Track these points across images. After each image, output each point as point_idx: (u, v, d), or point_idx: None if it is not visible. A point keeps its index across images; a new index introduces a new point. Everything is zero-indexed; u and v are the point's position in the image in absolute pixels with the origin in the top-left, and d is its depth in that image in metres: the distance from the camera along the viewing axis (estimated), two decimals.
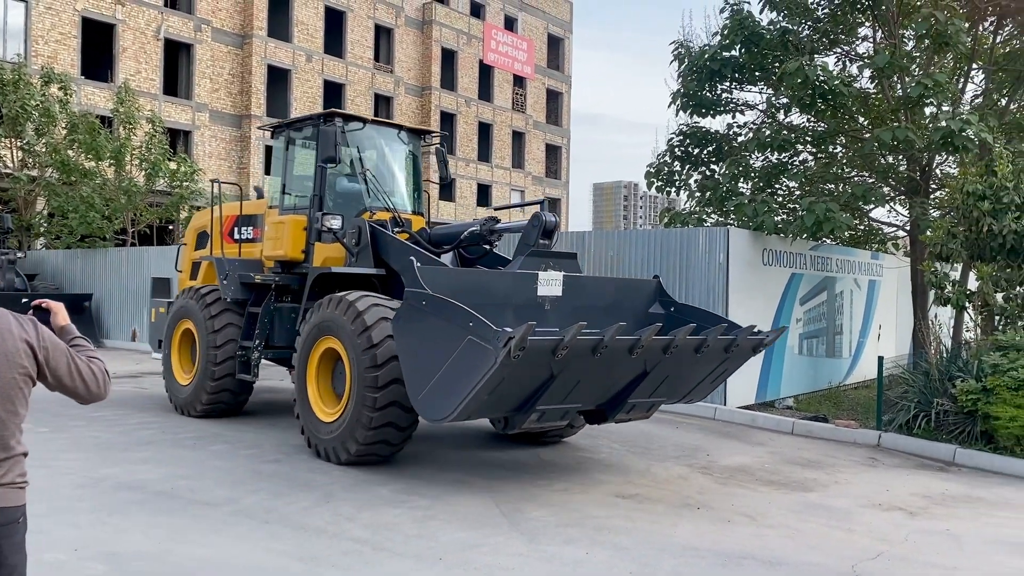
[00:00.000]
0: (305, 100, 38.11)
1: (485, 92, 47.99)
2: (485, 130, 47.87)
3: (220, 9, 35.57)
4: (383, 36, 42.84)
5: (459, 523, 6.00)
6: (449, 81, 45.66)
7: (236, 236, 10.20)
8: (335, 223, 8.59)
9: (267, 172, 36.57)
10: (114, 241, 22.58)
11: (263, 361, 9.67)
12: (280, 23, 37.27)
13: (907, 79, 14.13)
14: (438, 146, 10.02)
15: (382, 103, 42.40)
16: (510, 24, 49.96)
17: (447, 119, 45.39)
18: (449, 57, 45.63)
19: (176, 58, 34.38)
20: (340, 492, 6.76)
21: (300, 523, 5.90)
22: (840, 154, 16.72)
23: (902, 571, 5.32)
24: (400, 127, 9.78)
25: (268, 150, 36.66)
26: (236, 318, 9.50)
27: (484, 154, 47.91)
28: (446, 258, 8.76)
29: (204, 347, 9.46)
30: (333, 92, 39.49)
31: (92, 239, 21.79)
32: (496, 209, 11.21)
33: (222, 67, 35.72)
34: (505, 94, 49.19)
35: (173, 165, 23.49)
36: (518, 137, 50.40)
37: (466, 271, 8.05)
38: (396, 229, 8.80)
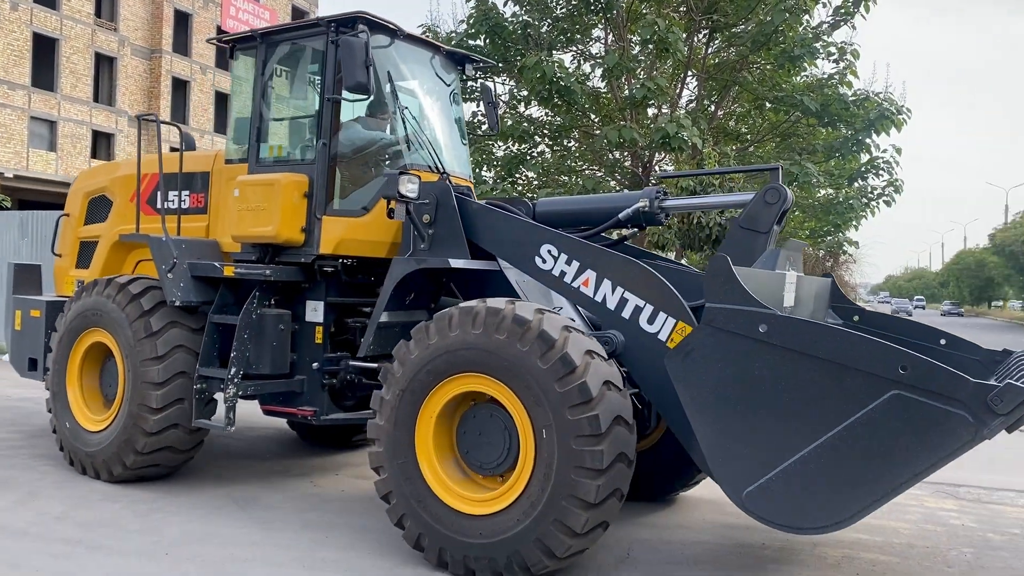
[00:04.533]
0: (9, 54, 33.72)
1: (223, 60, 45.26)
2: (223, 100, 45.27)
3: None
4: None
5: (187, 515, 5.66)
6: (182, 46, 42.55)
7: (159, 205, 6.70)
8: (412, 188, 5.54)
9: None
10: None
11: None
12: None
13: (633, 81, 15.35)
14: (484, 81, 7.27)
15: (104, 64, 38.61)
16: None
17: (180, 86, 42.32)
18: (183, 20, 42.50)
19: None
20: (47, 490, 6.11)
21: None
22: (574, 148, 17.83)
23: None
24: (438, 48, 6.80)
25: None
26: (189, 336, 6.17)
27: (221, 126, 45.24)
28: None
29: (135, 380, 6.08)
30: (45, 47, 35.31)
31: None
32: (661, 177, 7.69)
33: None
34: None
35: None
36: None
37: (748, 272, 4.82)
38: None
